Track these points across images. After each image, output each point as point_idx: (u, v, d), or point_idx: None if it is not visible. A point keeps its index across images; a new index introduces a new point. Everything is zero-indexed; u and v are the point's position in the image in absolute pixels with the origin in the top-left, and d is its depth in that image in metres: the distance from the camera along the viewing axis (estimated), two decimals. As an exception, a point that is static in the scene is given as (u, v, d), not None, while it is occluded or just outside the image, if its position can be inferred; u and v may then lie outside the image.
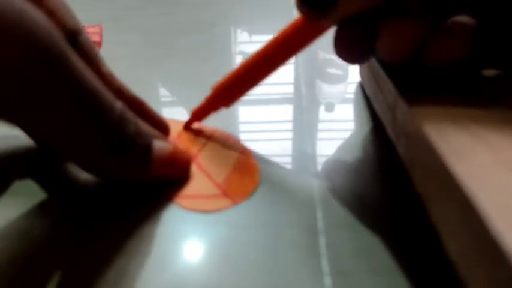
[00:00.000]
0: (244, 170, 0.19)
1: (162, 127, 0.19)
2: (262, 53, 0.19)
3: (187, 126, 0.22)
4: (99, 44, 0.31)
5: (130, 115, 0.16)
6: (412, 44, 0.15)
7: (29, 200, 0.17)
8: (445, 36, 0.15)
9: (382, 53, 0.16)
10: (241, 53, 0.31)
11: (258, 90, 0.26)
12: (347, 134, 0.22)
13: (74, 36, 0.16)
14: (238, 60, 0.30)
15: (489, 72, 0.17)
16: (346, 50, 0.17)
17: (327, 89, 0.26)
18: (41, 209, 0.17)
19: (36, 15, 0.12)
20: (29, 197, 0.18)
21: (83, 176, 0.18)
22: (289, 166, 0.20)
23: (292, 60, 0.29)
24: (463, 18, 0.16)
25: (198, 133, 0.21)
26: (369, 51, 0.16)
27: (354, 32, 0.16)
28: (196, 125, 0.22)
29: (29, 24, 0.12)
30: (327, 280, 0.14)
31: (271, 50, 0.18)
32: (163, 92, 0.26)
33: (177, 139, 0.21)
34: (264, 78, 0.19)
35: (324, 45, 0.18)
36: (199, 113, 0.21)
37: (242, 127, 0.22)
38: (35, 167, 0.19)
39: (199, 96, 0.25)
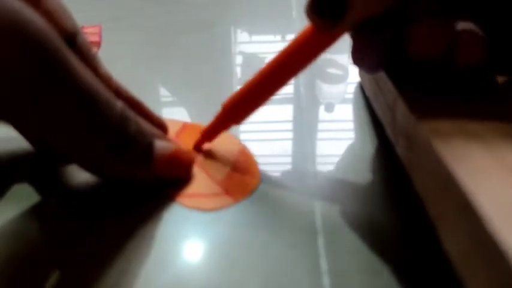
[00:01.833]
0: (245, 168, 0.19)
1: (160, 127, 0.19)
2: (272, 67, 0.17)
3: (197, 148, 0.20)
4: (99, 44, 0.31)
5: (131, 114, 0.16)
6: (443, 45, 0.15)
7: (28, 201, 0.17)
8: (468, 40, 0.15)
9: (416, 54, 0.15)
10: (241, 53, 0.31)
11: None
12: (347, 134, 0.22)
13: (71, 37, 0.16)
14: (238, 61, 0.30)
15: None
16: (363, 58, 0.16)
17: (327, 89, 0.26)
18: (40, 209, 0.17)
19: (34, 16, 0.12)
20: (28, 197, 0.18)
21: (83, 176, 0.18)
22: (289, 166, 0.20)
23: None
24: (468, 25, 0.16)
25: (197, 132, 0.21)
26: (385, 58, 0.16)
27: (370, 39, 0.16)
28: (207, 146, 0.20)
29: (26, 25, 0.12)
30: (325, 280, 0.14)
31: (282, 63, 0.17)
32: (163, 92, 0.26)
33: (176, 139, 0.21)
34: (275, 92, 0.18)
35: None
36: (210, 133, 0.20)
37: (242, 127, 0.22)
38: (34, 171, 0.19)
39: (199, 96, 0.25)
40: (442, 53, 0.15)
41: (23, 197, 0.18)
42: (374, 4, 0.15)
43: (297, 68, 0.17)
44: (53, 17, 0.15)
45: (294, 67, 0.17)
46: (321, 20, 0.15)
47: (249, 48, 0.31)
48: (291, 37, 0.32)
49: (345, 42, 0.18)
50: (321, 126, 0.23)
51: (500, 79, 0.17)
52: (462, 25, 0.16)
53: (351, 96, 0.25)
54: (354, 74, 0.27)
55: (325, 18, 0.15)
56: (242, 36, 0.33)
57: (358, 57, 0.16)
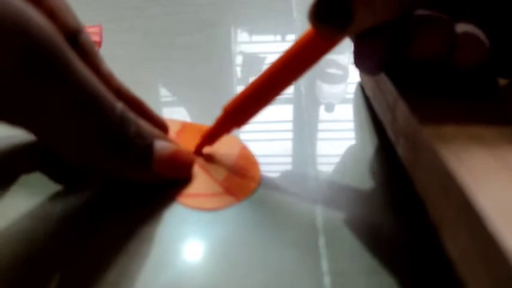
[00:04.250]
0: (245, 168, 0.19)
1: (161, 127, 0.19)
2: (273, 71, 0.17)
3: (198, 151, 0.20)
4: (99, 44, 0.31)
5: (131, 116, 0.16)
6: (446, 45, 0.15)
7: (30, 201, 0.17)
8: (468, 40, 0.15)
9: (419, 54, 0.15)
10: (241, 53, 0.31)
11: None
12: (347, 134, 0.22)
13: (74, 35, 0.16)
14: (238, 61, 0.30)
15: None
16: (366, 62, 0.16)
17: (327, 89, 0.26)
18: (41, 209, 0.17)
19: (36, 15, 0.12)
20: (29, 197, 0.18)
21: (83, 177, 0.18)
22: (289, 166, 0.20)
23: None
24: (469, 27, 0.16)
25: (197, 132, 0.21)
26: (386, 60, 0.16)
27: (371, 42, 0.16)
28: (207, 149, 0.20)
29: (28, 24, 0.12)
30: (326, 280, 0.14)
31: (283, 66, 0.17)
32: (163, 92, 0.26)
33: (176, 139, 0.21)
34: (276, 96, 0.18)
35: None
36: (211, 137, 0.19)
37: (242, 127, 0.22)
38: (41, 161, 0.19)
39: (199, 96, 0.25)
40: (444, 53, 0.15)
41: (23, 197, 0.17)
42: (378, 16, 0.14)
43: (298, 71, 0.17)
44: (56, 15, 0.15)
45: (295, 70, 0.17)
46: (323, 28, 0.15)
47: (249, 48, 0.31)
48: (291, 37, 0.32)
49: (345, 42, 0.18)
50: (321, 126, 0.23)
51: (502, 81, 0.17)
52: (463, 27, 0.16)
53: (351, 96, 0.25)
54: (354, 74, 0.27)
55: (328, 26, 0.14)
56: (242, 36, 0.33)
57: (359, 60, 0.16)
